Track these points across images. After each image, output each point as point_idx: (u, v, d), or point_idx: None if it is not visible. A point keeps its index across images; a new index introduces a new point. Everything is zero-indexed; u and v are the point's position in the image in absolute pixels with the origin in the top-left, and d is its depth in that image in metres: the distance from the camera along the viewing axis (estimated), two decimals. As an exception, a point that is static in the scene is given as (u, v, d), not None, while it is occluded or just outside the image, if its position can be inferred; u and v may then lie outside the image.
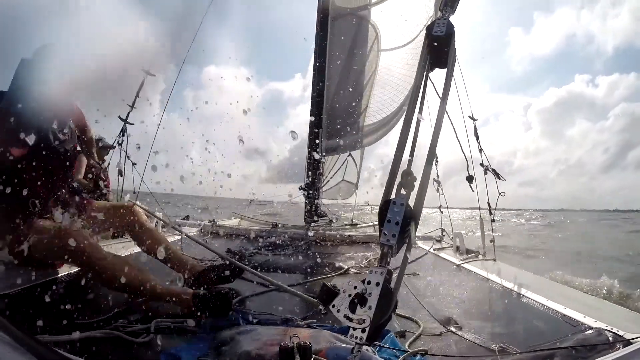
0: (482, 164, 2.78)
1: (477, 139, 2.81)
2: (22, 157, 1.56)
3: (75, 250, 1.42)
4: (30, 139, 1.49)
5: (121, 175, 3.11)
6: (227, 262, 1.90)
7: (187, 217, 4.59)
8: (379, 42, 3.82)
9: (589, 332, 1.26)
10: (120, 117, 2.88)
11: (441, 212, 3.68)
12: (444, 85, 0.92)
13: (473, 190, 2.70)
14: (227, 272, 1.81)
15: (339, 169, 5.16)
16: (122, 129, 2.87)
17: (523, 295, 1.80)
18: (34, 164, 1.60)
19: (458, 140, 2.39)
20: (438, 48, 0.89)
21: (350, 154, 5.16)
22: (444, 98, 0.89)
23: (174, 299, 1.42)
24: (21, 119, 1.51)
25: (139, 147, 2.92)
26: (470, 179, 2.65)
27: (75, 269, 1.81)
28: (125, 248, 2.30)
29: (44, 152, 1.64)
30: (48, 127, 1.68)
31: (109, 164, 3.55)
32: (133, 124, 2.89)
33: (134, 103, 2.57)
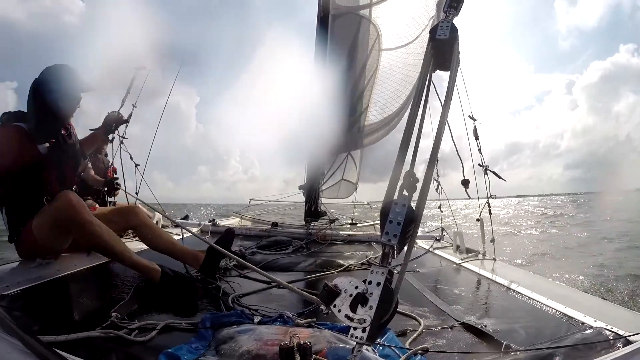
0: (480, 165, 2.79)
1: (477, 139, 2.81)
2: (40, 161, 1.73)
3: (66, 207, 1.60)
4: (44, 148, 1.73)
5: (115, 173, 3.21)
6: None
7: (186, 217, 4.60)
8: (380, 42, 3.81)
9: (589, 331, 1.26)
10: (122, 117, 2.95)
11: (441, 211, 3.69)
12: (447, 87, 0.91)
13: (470, 197, 2.71)
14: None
15: (337, 168, 5.15)
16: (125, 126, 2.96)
17: (523, 295, 1.80)
18: (48, 167, 1.76)
19: (454, 143, 2.40)
20: (441, 51, 0.90)
21: (349, 154, 5.16)
22: (447, 100, 0.89)
23: (145, 271, 1.65)
24: (38, 128, 1.73)
25: (137, 166, 3.06)
26: (466, 183, 2.65)
27: (74, 270, 1.81)
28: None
29: (58, 155, 1.81)
30: (59, 133, 1.86)
31: (112, 159, 3.60)
32: (126, 138, 3.07)
33: (124, 98, 2.59)
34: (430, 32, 0.91)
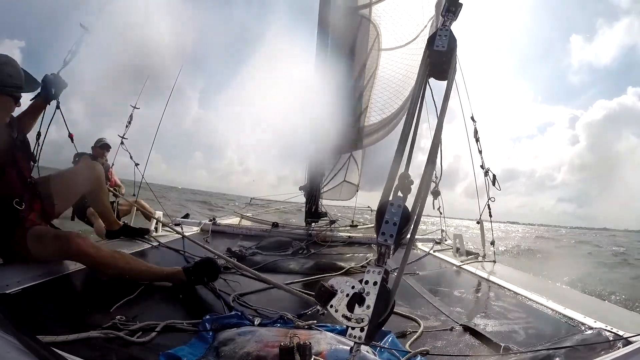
0: (482, 166, 2.79)
1: (477, 141, 2.81)
2: None
3: (77, 254, 1.60)
4: None
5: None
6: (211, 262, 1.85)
7: (186, 216, 4.61)
8: (380, 42, 3.80)
9: (589, 332, 1.26)
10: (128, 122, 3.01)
11: (440, 213, 3.69)
12: (444, 98, 0.90)
13: (436, 208, 2.69)
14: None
15: (340, 169, 5.15)
16: (129, 120, 3.07)
17: (523, 296, 1.80)
18: (4, 163, 1.64)
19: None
20: (439, 61, 0.87)
21: (351, 155, 5.16)
22: (442, 110, 0.88)
23: (169, 276, 1.72)
24: None
25: (137, 164, 3.15)
26: (436, 193, 2.51)
27: (75, 269, 1.81)
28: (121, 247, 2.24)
29: (9, 149, 1.67)
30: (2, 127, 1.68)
31: (113, 163, 3.74)
32: (126, 138, 3.10)
33: (67, 58, 2.33)
34: (427, 41, 0.88)
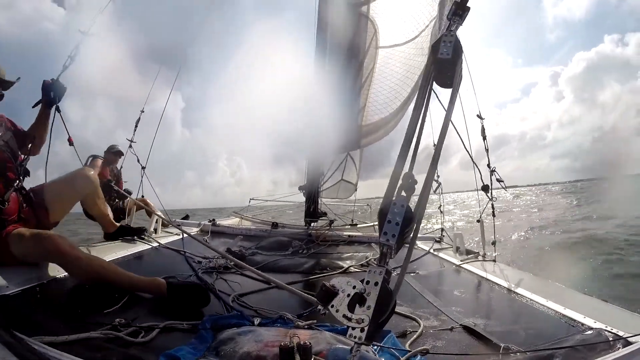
0: (488, 165, 2.78)
1: (484, 139, 2.79)
2: None
3: (53, 252, 1.54)
4: None
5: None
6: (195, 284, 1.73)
7: (186, 217, 4.61)
8: (377, 39, 3.76)
9: (589, 332, 1.26)
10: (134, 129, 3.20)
11: (441, 211, 3.69)
12: (448, 105, 0.87)
13: (490, 199, 2.70)
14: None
15: (337, 168, 5.15)
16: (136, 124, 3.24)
17: (523, 296, 1.80)
18: None
19: (469, 152, 2.41)
20: (443, 68, 0.84)
21: (348, 154, 5.16)
22: (447, 115, 0.86)
23: (149, 288, 1.61)
24: None
25: (144, 168, 3.22)
26: (486, 188, 2.62)
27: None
28: (115, 251, 2.22)
29: None
30: None
31: (121, 166, 3.87)
32: (135, 142, 3.20)
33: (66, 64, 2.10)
34: (432, 47, 0.86)
